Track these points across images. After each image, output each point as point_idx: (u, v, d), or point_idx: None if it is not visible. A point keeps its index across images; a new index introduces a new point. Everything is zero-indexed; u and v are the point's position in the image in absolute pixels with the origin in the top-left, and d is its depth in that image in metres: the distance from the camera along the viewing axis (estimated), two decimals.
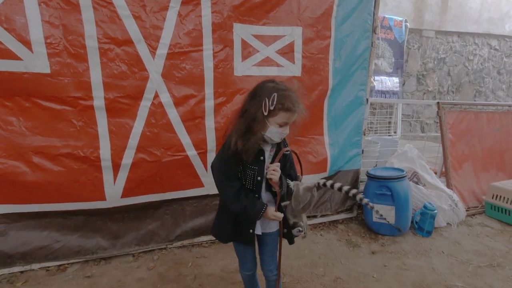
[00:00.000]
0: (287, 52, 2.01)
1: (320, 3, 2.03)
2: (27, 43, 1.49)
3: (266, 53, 1.96)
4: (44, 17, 1.50)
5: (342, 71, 2.23)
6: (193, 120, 1.88)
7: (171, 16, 1.71)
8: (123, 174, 1.80)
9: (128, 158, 1.78)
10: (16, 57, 1.48)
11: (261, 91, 1.12)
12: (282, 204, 1.23)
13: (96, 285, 1.69)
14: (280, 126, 1.10)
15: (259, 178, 1.16)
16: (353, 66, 2.27)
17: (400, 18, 4.82)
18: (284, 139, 1.21)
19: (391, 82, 4.95)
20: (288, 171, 1.26)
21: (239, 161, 1.15)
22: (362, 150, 2.51)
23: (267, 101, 1.07)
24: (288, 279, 1.78)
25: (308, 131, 2.27)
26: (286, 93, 1.10)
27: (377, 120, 4.30)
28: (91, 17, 1.57)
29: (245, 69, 1.93)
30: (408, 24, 4.87)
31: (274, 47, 1.97)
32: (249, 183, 1.17)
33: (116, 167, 1.77)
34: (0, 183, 1.61)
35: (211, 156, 1.95)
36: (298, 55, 2.04)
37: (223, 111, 1.92)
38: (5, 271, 1.73)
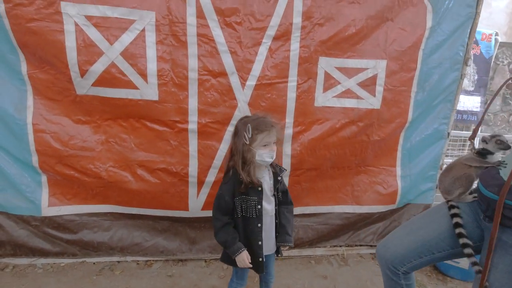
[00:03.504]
0: (369, 84, 2.01)
1: (409, 36, 1.97)
2: (144, 75, 1.74)
3: (348, 85, 1.98)
4: (158, 53, 1.74)
5: (424, 103, 2.14)
6: None
7: (263, 50, 1.83)
8: (205, 190, 2.01)
9: (211, 176, 1.98)
10: (134, 87, 1.75)
11: (239, 127, 1.36)
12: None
13: (177, 285, 1.93)
14: (265, 146, 1.32)
15: (259, 207, 1.35)
16: (436, 99, 2.16)
17: (490, 31, 4.33)
18: (276, 164, 1.45)
19: (470, 102, 4.50)
20: (282, 188, 1.47)
21: (235, 195, 1.34)
22: (437, 185, 2.38)
23: (245, 133, 1.30)
24: None
25: (380, 161, 2.24)
26: (257, 120, 1.34)
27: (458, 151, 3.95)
28: (195, 52, 1.77)
29: (325, 100, 1.98)
30: (499, 37, 4.36)
31: (356, 79, 1.98)
32: (252, 213, 1.35)
33: (200, 183, 1.98)
34: (111, 188, 1.92)
35: (284, 180, 2.05)
36: (379, 88, 2.02)
37: (300, 139, 2.01)
38: (107, 259, 2.07)
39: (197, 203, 2.03)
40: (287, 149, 2.01)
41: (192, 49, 1.77)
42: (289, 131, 1.98)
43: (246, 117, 1.41)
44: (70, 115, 1.81)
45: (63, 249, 2.00)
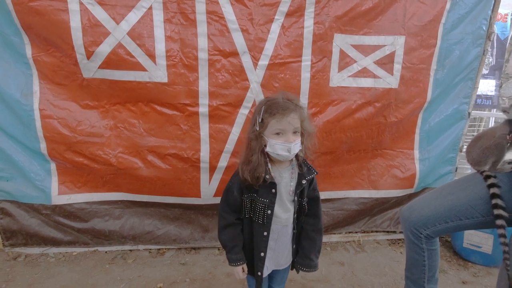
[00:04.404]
0: (386, 62, 1.91)
1: (429, 9, 1.86)
2: (152, 56, 1.67)
3: (364, 63, 1.89)
4: (167, 32, 1.67)
5: (444, 82, 2.04)
6: None
7: (275, 28, 1.75)
8: (217, 176, 1.95)
9: (223, 161, 1.91)
10: (143, 69, 1.68)
11: (255, 109, 1.10)
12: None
13: (191, 273, 1.88)
14: (277, 134, 1.04)
15: (269, 212, 1.08)
16: (457, 77, 2.06)
17: (506, 11, 4.16)
18: (306, 162, 1.14)
19: (485, 85, 4.36)
20: (311, 194, 1.18)
21: (243, 192, 1.10)
22: (456, 168, 2.29)
23: (256, 115, 1.06)
24: None
25: (397, 144, 2.16)
26: (273, 101, 1.06)
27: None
28: (204, 31, 1.70)
29: (341, 80, 1.90)
30: None
31: (372, 57, 1.89)
32: (258, 217, 1.10)
33: (212, 169, 1.92)
34: (122, 175, 1.87)
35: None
36: (397, 66, 1.92)
37: (315, 122, 1.92)
38: (119, 248, 2.04)
39: (209, 190, 1.97)
40: None
41: (202, 27, 1.69)
42: None
43: (268, 97, 1.14)
44: (78, 100, 1.75)
45: (75, 238, 1.97)
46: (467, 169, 2.71)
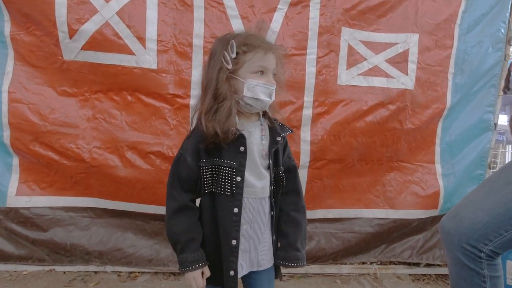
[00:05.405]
0: (400, 61, 1.74)
1: (442, 8, 1.75)
2: (142, 40, 1.53)
3: (375, 61, 1.72)
4: (160, 16, 1.54)
5: (464, 88, 1.84)
6: None
7: (278, 17, 1.62)
8: None
9: None
10: (130, 52, 1.52)
11: (215, 47, 0.86)
12: None
13: None
14: (259, 74, 0.82)
15: (238, 178, 0.82)
16: (478, 83, 1.87)
17: None
18: (277, 120, 0.91)
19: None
20: (287, 163, 0.94)
21: (201, 156, 0.83)
22: None
23: (225, 52, 0.81)
24: None
25: (416, 157, 1.89)
26: (248, 34, 0.86)
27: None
28: (201, 16, 1.57)
29: (350, 78, 1.71)
30: None
31: (384, 55, 1.73)
32: (225, 187, 0.82)
33: None
34: (94, 174, 1.60)
35: (302, 173, 1.70)
36: (412, 65, 1.75)
37: (321, 123, 1.70)
38: (82, 268, 1.66)
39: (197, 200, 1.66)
40: (306, 134, 1.69)
41: (198, 13, 1.57)
42: (308, 112, 1.68)
43: (228, 33, 0.90)
44: (55, 85, 1.56)
45: (29, 253, 1.62)
46: None
